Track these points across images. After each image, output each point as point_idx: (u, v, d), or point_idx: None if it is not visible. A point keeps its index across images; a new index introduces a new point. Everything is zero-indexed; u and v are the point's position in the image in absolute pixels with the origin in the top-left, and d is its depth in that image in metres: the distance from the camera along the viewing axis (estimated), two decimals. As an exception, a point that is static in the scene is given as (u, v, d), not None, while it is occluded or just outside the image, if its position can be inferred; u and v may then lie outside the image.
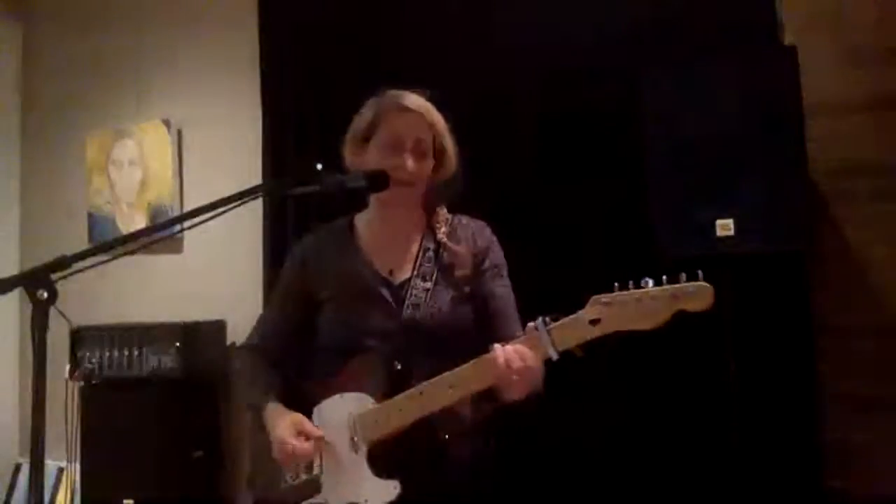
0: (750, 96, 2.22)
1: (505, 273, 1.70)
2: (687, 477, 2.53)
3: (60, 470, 3.60)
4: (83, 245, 1.45)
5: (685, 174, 2.27)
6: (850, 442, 2.44)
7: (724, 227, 2.20)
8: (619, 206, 2.65)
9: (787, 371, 2.46)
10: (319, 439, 1.54)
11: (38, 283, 1.13)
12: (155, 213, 3.71)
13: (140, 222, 3.74)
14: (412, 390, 1.49)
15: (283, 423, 1.55)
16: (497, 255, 1.70)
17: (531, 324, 1.43)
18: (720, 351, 2.30)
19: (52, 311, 1.13)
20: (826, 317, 2.48)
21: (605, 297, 1.34)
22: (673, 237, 2.27)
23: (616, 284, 1.34)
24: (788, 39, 2.54)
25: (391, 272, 1.65)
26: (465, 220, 1.73)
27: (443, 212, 1.72)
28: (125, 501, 3.10)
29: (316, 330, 1.68)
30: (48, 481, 3.69)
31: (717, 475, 2.40)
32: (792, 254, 2.38)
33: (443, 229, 1.67)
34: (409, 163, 1.60)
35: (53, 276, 1.14)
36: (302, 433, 1.54)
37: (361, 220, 1.75)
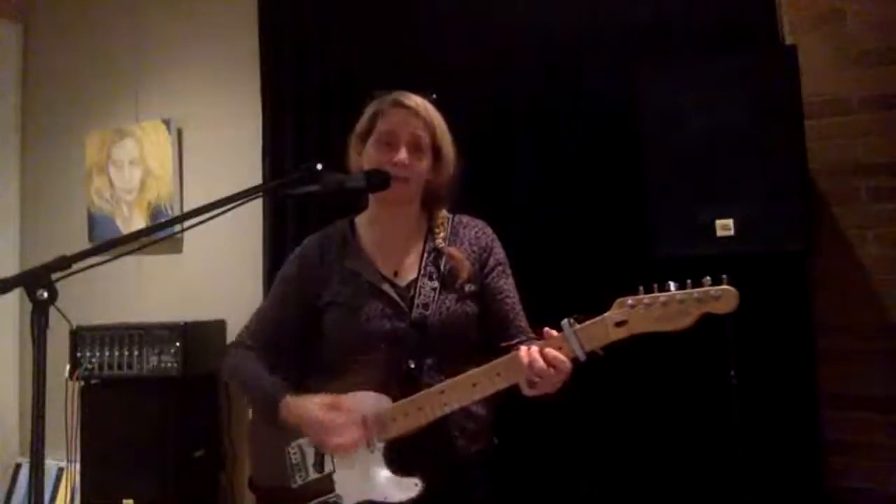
0: (750, 96, 2.22)
1: (509, 270, 1.70)
2: (688, 476, 2.53)
3: (60, 470, 3.61)
4: (83, 245, 1.44)
5: (685, 174, 2.27)
6: (850, 442, 2.44)
7: (724, 227, 2.20)
8: (619, 207, 2.65)
9: (787, 371, 2.46)
10: (351, 411, 1.50)
11: (38, 283, 1.12)
12: (155, 213, 3.71)
13: (140, 222, 3.74)
14: (432, 389, 1.48)
15: (311, 405, 1.52)
16: (500, 252, 1.70)
17: (559, 325, 1.42)
18: (720, 351, 2.30)
19: (52, 311, 1.13)
20: (826, 317, 2.48)
21: (630, 300, 1.34)
22: (673, 237, 2.27)
23: (640, 287, 1.34)
24: (788, 39, 2.54)
25: (396, 273, 1.65)
26: (465, 219, 1.73)
27: (443, 213, 1.71)
28: (125, 501, 3.11)
29: (320, 332, 1.66)
30: (48, 481, 3.69)
31: (717, 475, 2.40)
32: (792, 254, 2.38)
33: (442, 234, 1.67)
34: (402, 155, 1.59)
35: (53, 276, 1.14)
36: (333, 408, 1.51)
37: (362, 221, 1.74)
